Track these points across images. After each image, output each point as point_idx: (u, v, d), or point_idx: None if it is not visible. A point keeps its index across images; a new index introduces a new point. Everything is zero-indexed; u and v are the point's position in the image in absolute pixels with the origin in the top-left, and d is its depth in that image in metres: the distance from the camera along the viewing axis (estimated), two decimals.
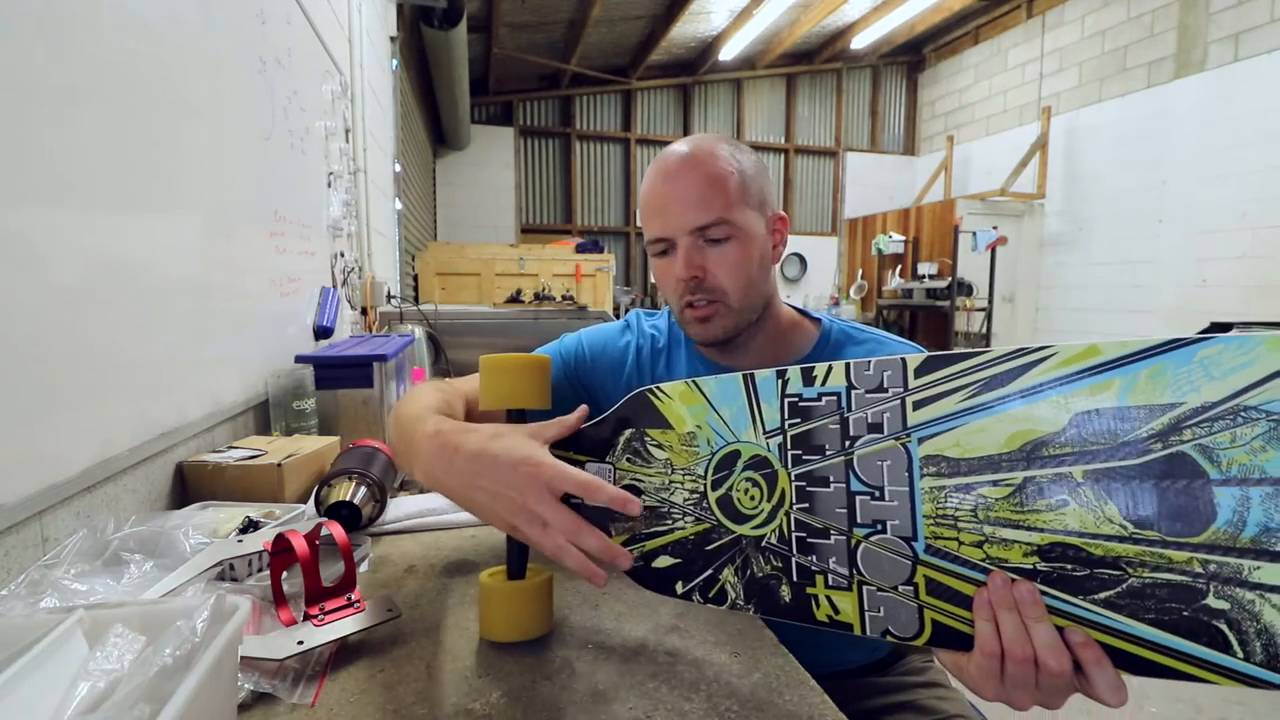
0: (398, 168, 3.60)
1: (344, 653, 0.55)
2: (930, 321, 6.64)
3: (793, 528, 0.48)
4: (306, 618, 0.55)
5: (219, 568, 0.62)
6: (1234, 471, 0.35)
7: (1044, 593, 0.40)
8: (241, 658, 0.48)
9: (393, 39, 3.33)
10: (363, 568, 0.71)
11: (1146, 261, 5.49)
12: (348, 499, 0.78)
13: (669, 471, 0.54)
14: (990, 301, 5.99)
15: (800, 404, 0.49)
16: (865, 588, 0.46)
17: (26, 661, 0.35)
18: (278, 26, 1.38)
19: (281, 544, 0.58)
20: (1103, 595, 0.38)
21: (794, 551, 0.48)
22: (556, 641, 0.57)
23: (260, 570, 0.64)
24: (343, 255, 2.04)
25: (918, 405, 0.44)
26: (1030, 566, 0.40)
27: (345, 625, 0.55)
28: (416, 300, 2.81)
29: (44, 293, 0.61)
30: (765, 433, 0.50)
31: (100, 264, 0.71)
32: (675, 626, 0.60)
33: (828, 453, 0.47)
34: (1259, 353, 0.34)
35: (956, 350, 0.43)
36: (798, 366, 0.49)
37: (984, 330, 6.05)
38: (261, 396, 1.17)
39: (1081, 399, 0.39)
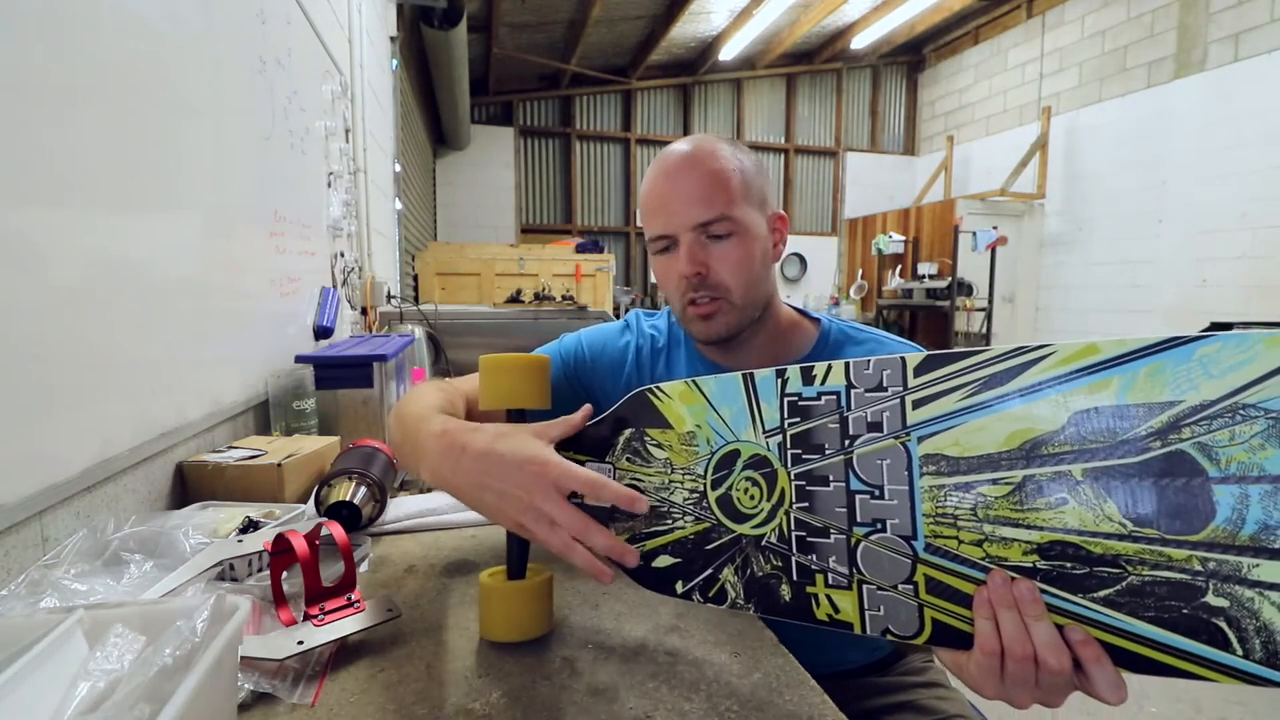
0: (398, 168, 3.60)
1: (344, 653, 0.55)
2: (930, 321, 6.64)
3: (792, 527, 0.49)
4: (306, 618, 0.55)
5: (219, 568, 0.62)
6: (1233, 469, 0.35)
7: (1043, 591, 0.40)
8: (241, 658, 0.48)
9: (393, 39, 3.33)
10: (363, 568, 0.71)
11: (1146, 261, 5.49)
12: (348, 499, 0.78)
13: (669, 471, 0.54)
14: (990, 301, 5.99)
15: (800, 403, 0.49)
16: (865, 586, 0.46)
17: (26, 661, 0.35)
18: (278, 26, 1.38)
19: (281, 544, 0.58)
20: (1102, 593, 0.38)
21: (794, 550, 0.48)
22: (556, 641, 0.57)
23: (260, 570, 0.64)
24: (343, 255, 2.05)
25: (917, 404, 0.44)
26: (1030, 565, 0.40)
27: (345, 625, 0.55)
28: (416, 300, 2.81)
29: (44, 293, 0.61)
30: (765, 432, 0.50)
31: (100, 264, 0.71)
32: (675, 626, 0.60)
33: (827, 452, 0.47)
34: (1257, 350, 0.34)
35: (955, 349, 0.44)
36: (797, 366, 0.49)
37: (984, 330, 6.05)
38: (261, 396, 1.17)
39: (1080, 397, 0.39)
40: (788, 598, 0.49)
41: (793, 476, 0.49)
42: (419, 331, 1.96)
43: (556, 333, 0.91)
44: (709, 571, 0.52)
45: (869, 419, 0.46)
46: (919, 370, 0.44)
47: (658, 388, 0.56)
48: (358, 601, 0.58)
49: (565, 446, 0.59)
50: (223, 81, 1.08)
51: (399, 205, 3.65)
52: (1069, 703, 0.41)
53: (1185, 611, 0.36)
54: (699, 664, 0.54)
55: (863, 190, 8.42)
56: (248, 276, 1.19)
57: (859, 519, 0.46)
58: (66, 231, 0.65)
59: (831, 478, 0.47)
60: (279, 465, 0.85)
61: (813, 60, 7.94)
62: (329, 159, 1.87)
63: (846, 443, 0.46)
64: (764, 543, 0.50)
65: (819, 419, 0.48)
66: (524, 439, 0.54)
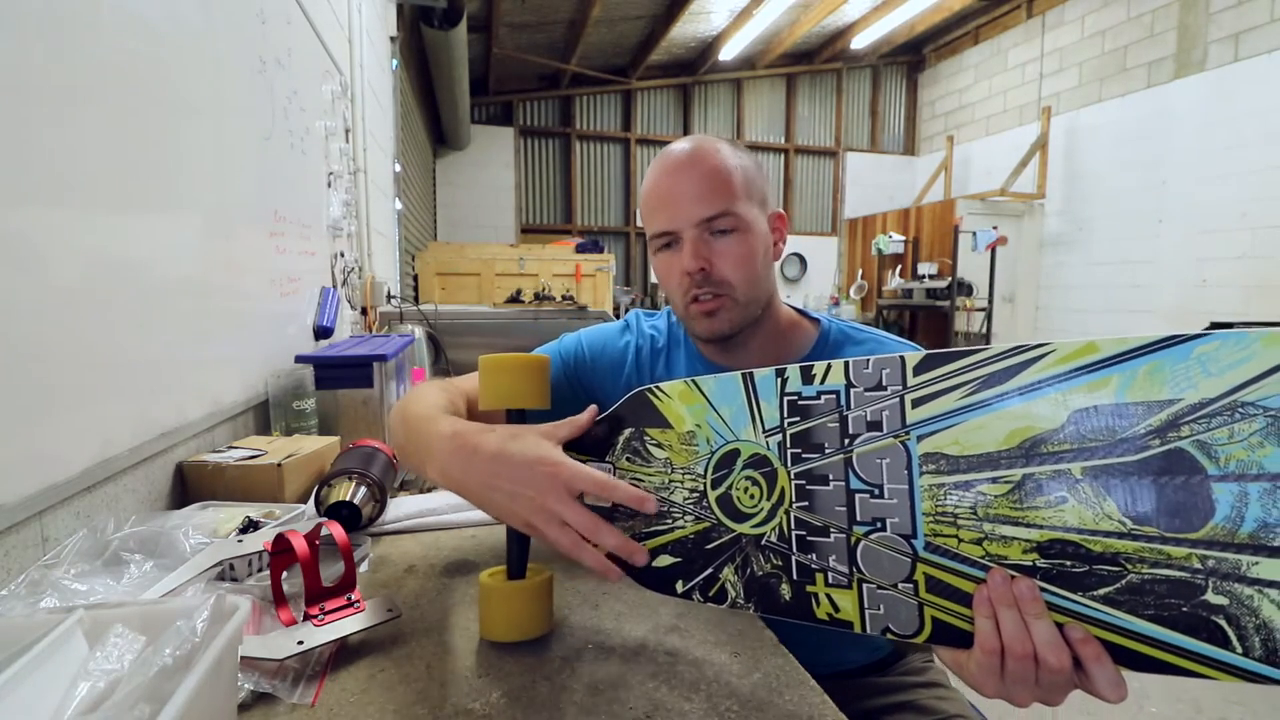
0: (398, 168, 3.60)
1: (344, 653, 0.55)
2: (930, 321, 6.64)
3: (792, 526, 0.49)
4: (306, 618, 0.55)
5: (219, 568, 0.62)
6: (1232, 467, 0.35)
7: (1043, 589, 0.40)
8: (241, 658, 0.48)
9: (393, 39, 3.33)
10: (363, 568, 0.71)
11: (1146, 261, 5.49)
12: (348, 499, 0.78)
13: (668, 470, 0.55)
14: (990, 301, 5.99)
15: (799, 402, 0.49)
16: (865, 585, 0.46)
17: (26, 661, 0.35)
18: (278, 26, 1.38)
19: (281, 544, 0.58)
20: (1102, 591, 0.38)
21: (794, 550, 0.48)
22: (556, 641, 0.57)
23: (260, 570, 0.64)
24: (343, 255, 2.05)
25: (916, 403, 0.44)
26: (1029, 563, 0.40)
27: (345, 625, 0.55)
28: (416, 300, 2.81)
29: (44, 293, 0.61)
30: (765, 431, 0.50)
31: (100, 264, 0.71)
32: (675, 626, 0.60)
33: (827, 451, 0.47)
34: (1256, 349, 0.34)
35: (955, 348, 0.44)
36: (797, 365, 0.49)
37: (984, 330, 6.05)
38: (261, 396, 1.17)
39: (1080, 396, 0.39)
40: (788, 597, 0.49)
41: (792, 476, 0.49)
42: (419, 331, 1.96)
43: (556, 333, 0.91)
44: (709, 571, 0.52)
45: (869, 418, 0.46)
46: (918, 369, 0.44)
47: (657, 387, 0.56)
48: (358, 601, 0.58)
49: (567, 447, 0.59)
50: (223, 81, 1.08)
51: (399, 205, 3.65)
52: (1069, 701, 0.41)
53: (1185, 609, 0.36)
54: (699, 664, 0.54)
55: (863, 190, 8.42)
56: (248, 276, 1.19)
57: (859, 518, 0.46)
58: (66, 231, 0.65)
59: (831, 477, 0.47)
60: (279, 465, 0.85)
61: (813, 60, 7.94)
62: (329, 159, 1.87)
63: (846, 442, 0.46)
64: (764, 542, 0.50)
65: (819, 418, 0.48)
66: (535, 440, 0.54)
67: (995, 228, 5.89)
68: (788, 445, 0.49)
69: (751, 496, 0.50)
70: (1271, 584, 0.34)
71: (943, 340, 6.05)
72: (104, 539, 0.62)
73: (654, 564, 0.54)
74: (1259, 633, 0.34)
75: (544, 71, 7.12)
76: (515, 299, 3.13)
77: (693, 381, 0.54)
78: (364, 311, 2.27)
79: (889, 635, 0.45)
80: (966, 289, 6.10)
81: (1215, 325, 4.08)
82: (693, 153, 0.72)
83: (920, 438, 0.43)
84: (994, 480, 0.41)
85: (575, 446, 0.59)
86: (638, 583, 0.55)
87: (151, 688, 0.33)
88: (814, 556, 0.48)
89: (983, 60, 7.29)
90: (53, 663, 0.36)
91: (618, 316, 1.16)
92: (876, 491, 0.45)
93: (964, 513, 0.42)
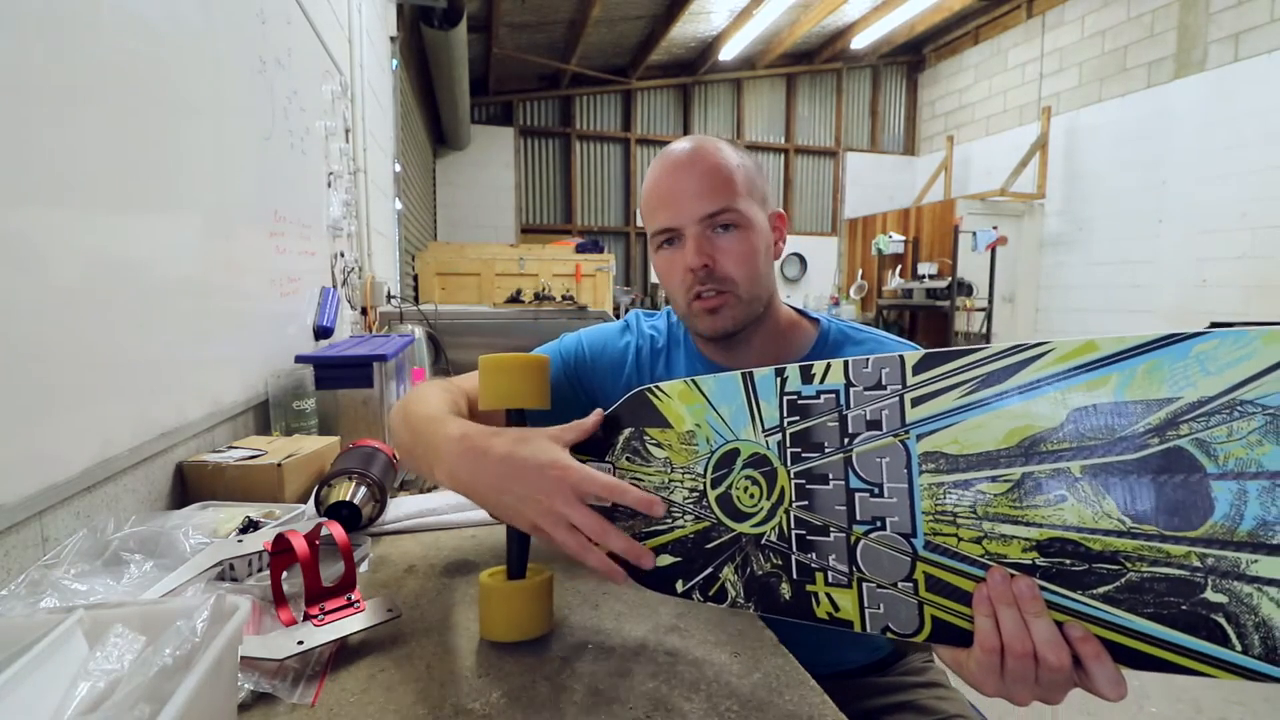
0: (398, 168, 3.60)
1: (344, 653, 0.55)
2: (930, 321, 6.64)
3: (792, 525, 0.49)
4: (306, 618, 0.55)
5: (219, 568, 0.62)
6: (1231, 465, 0.35)
7: (1043, 588, 0.40)
8: (241, 658, 0.48)
9: (393, 39, 3.33)
10: (363, 568, 0.71)
11: (1146, 261, 5.49)
12: (348, 499, 0.78)
13: (668, 470, 0.55)
14: (990, 301, 5.99)
15: (799, 402, 0.49)
16: (865, 585, 0.46)
17: (26, 661, 0.35)
18: (278, 26, 1.38)
19: (281, 544, 0.58)
20: (1101, 590, 0.38)
21: (794, 549, 0.48)
22: (556, 641, 0.57)
23: (260, 570, 0.64)
24: (343, 255, 2.05)
25: (916, 402, 0.44)
26: (1029, 562, 0.40)
27: (345, 625, 0.55)
28: (416, 300, 2.81)
29: (44, 293, 0.61)
30: (764, 431, 0.50)
31: (100, 264, 0.71)
32: (675, 626, 0.60)
33: (827, 450, 0.47)
34: (1255, 347, 0.35)
35: (954, 347, 0.44)
36: (796, 365, 0.49)
37: (984, 330, 6.05)
38: (261, 396, 1.17)
39: (1079, 394, 0.39)
40: (788, 596, 0.49)
41: (792, 475, 0.49)
42: (419, 331, 1.96)
43: (556, 333, 0.91)
44: (709, 570, 0.52)
45: (868, 417, 0.46)
46: (918, 368, 0.44)
47: (657, 387, 0.56)
48: (358, 601, 0.58)
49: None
50: (223, 81, 1.08)
51: (399, 205, 3.65)
52: (1069, 700, 0.41)
53: (1184, 607, 0.36)
54: (699, 664, 0.54)
55: (863, 190, 8.42)
56: (248, 276, 1.19)
57: (859, 517, 0.46)
58: (66, 231, 0.65)
59: (831, 476, 0.47)
60: (279, 465, 0.85)
61: (813, 60, 7.94)
62: (329, 159, 1.87)
63: (846, 441, 0.46)
64: (764, 541, 0.50)
65: (818, 417, 0.48)
66: (543, 444, 0.54)
67: (995, 228, 5.89)
68: (787, 444, 0.49)
69: (751, 496, 0.51)
70: (1270, 582, 0.34)
71: (943, 340, 6.05)
72: (104, 539, 0.62)
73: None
74: (1258, 630, 0.34)
75: (544, 71, 7.12)
76: (515, 299, 3.13)
77: (692, 381, 0.54)
78: (364, 311, 2.27)
79: (889, 634, 0.45)
80: (966, 289, 6.10)
81: (1215, 325, 4.08)
82: (694, 151, 0.72)
83: (920, 437, 0.44)
84: (993, 479, 0.41)
85: (576, 446, 0.59)
86: (638, 582, 0.55)
87: (151, 688, 0.33)
88: (814, 556, 0.48)
89: (983, 60, 7.29)
90: (53, 663, 0.36)
91: (618, 317, 1.16)
92: (876, 490, 0.45)
93: (963, 511, 0.42)
